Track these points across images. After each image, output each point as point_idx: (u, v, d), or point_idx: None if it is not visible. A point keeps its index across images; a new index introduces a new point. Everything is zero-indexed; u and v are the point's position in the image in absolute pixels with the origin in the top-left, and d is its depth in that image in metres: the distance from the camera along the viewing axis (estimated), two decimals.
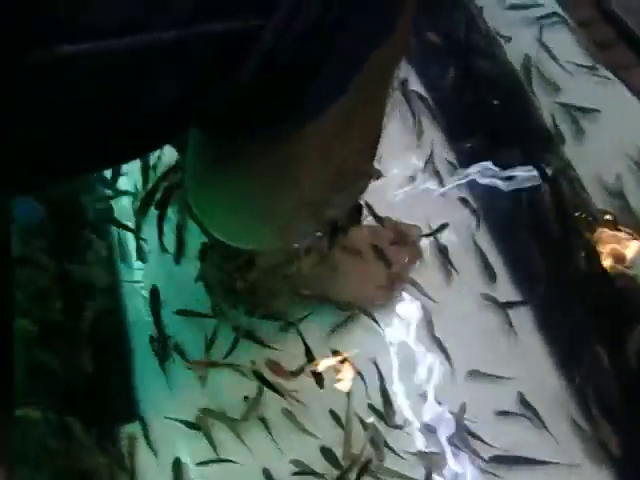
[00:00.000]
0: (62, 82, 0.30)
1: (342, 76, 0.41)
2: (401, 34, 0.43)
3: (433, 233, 0.86)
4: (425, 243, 0.85)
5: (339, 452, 0.72)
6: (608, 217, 0.87)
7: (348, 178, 0.53)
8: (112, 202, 0.90)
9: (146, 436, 0.74)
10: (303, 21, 0.34)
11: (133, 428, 0.75)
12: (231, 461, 0.72)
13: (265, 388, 0.74)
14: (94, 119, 0.33)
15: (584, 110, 0.95)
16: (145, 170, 0.88)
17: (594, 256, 0.84)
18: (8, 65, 0.28)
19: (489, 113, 0.98)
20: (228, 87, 0.36)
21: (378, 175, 0.85)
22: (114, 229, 0.88)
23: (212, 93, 0.36)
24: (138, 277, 0.85)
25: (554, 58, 1.01)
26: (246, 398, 0.75)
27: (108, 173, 0.90)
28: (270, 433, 0.73)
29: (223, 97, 0.36)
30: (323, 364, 0.76)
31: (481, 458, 0.71)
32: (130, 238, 0.87)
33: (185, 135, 0.51)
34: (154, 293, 0.81)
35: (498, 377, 0.76)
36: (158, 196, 0.83)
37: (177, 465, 0.73)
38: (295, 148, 0.45)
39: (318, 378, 0.75)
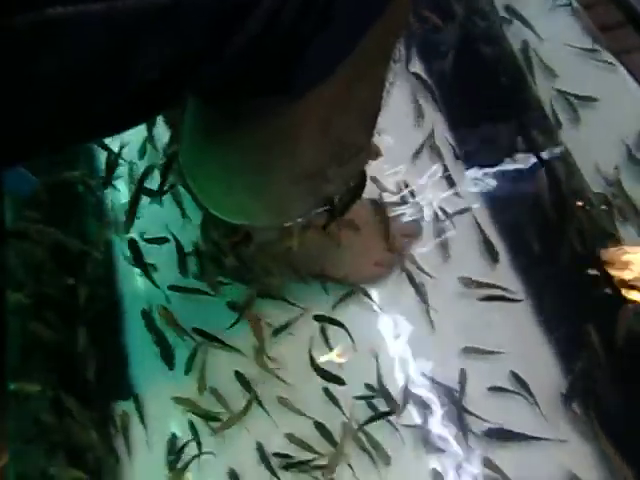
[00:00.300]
0: (53, 45, 0.29)
1: (341, 45, 0.40)
2: (401, 5, 0.43)
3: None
4: (424, 222, 0.85)
5: (334, 429, 0.72)
6: (604, 203, 0.87)
7: (346, 151, 0.53)
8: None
9: (140, 413, 0.75)
10: None
11: (127, 405, 0.75)
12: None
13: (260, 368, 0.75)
14: (87, 83, 0.32)
15: (582, 97, 0.95)
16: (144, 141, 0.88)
17: (589, 240, 0.84)
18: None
19: (488, 97, 0.97)
20: (226, 52, 0.35)
21: (377, 153, 0.84)
22: (110, 200, 0.88)
23: (210, 58, 0.35)
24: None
25: (555, 41, 1.00)
26: (238, 375, 0.76)
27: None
28: (265, 410, 0.73)
29: (221, 63, 0.36)
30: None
31: (473, 433, 0.72)
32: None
33: (181, 107, 0.50)
34: (133, 244, 0.81)
35: (491, 353, 0.77)
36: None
37: (171, 443, 0.73)
38: (293, 119, 0.45)
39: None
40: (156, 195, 0.82)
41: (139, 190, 0.81)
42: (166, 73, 0.35)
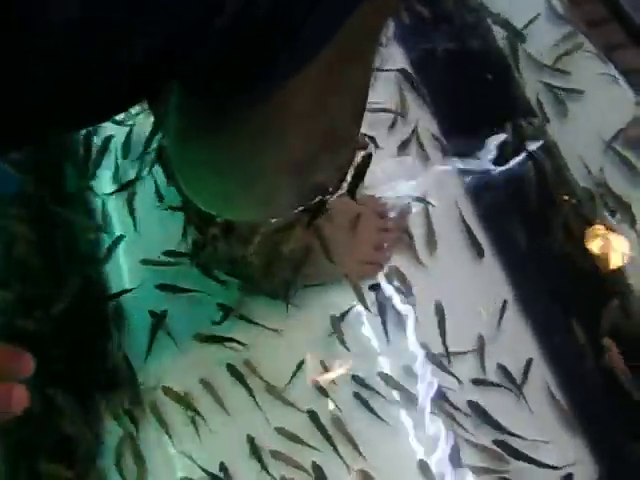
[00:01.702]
0: (33, 32, 0.29)
1: (326, 27, 0.39)
2: None
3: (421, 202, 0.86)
4: (411, 217, 0.86)
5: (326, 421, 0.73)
6: (590, 196, 0.87)
7: (334, 141, 0.52)
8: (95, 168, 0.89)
9: (131, 406, 0.74)
10: None
11: (117, 398, 0.75)
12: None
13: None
14: (68, 70, 0.32)
15: (569, 90, 0.96)
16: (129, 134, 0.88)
17: (575, 233, 0.85)
18: None
19: (475, 91, 0.97)
20: (209, 36, 0.35)
21: (365, 145, 0.84)
22: (97, 197, 0.87)
23: (192, 43, 0.35)
24: (121, 247, 0.84)
25: (542, 36, 1.00)
26: (230, 367, 0.76)
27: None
28: (256, 403, 0.74)
29: (204, 47, 0.36)
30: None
31: (460, 425, 0.73)
32: (113, 206, 0.87)
33: (165, 97, 0.50)
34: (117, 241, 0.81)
35: (478, 348, 0.77)
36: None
37: (163, 437, 0.73)
38: (279, 106, 0.44)
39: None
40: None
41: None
42: (150, 59, 0.34)
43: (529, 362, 0.77)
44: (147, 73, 0.35)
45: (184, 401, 0.74)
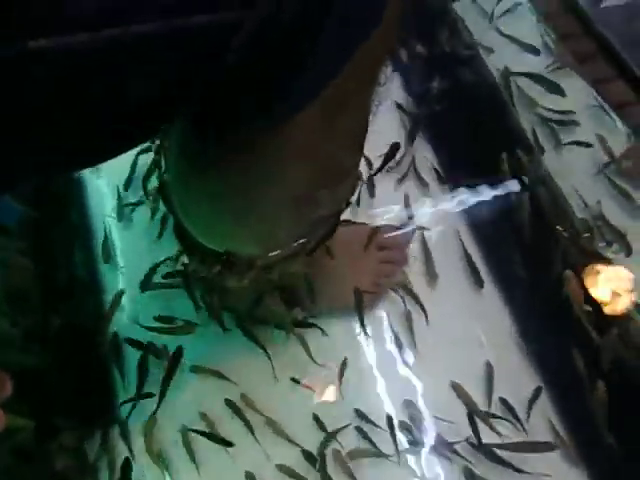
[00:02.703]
0: (37, 75, 0.29)
1: (326, 68, 0.40)
2: (387, 28, 0.43)
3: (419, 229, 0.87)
4: (411, 248, 0.86)
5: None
6: (586, 227, 0.88)
7: (334, 175, 0.53)
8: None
9: (128, 444, 0.73)
10: (287, 11, 0.34)
11: (112, 433, 0.74)
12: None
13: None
14: (67, 114, 0.32)
15: (562, 122, 0.97)
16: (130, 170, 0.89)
17: (572, 264, 0.85)
18: None
19: (471, 124, 0.99)
20: (213, 77, 0.35)
21: (359, 177, 0.85)
22: (97, 229, 0.87)
23: (196, 86, 0.35)
24: (120, 279, 0.84)
25: (534, 70, 1.02)
26: (228, 402, 0.75)
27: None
28: (255, 438, 0.73)
29: (208, 87, 0.36)
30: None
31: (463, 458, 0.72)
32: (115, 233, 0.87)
33: (166, 132, 0.50)
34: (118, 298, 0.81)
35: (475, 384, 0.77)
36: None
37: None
38: (278, 143, 0.44)
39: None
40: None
41: None
42: (153, 102, 0.35)
43: (535, 394, 0.76)
44: (151, 116, 0.36)
45: (182, 438, 0.73)
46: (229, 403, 0.75)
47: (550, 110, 0.98)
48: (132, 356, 0.79)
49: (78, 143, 0.35)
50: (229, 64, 0.35)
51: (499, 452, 0.73)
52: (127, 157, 0.89)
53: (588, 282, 0.84)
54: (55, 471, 0.72)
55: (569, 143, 0.95)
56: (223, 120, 0.42)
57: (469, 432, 0.73)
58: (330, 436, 0.73)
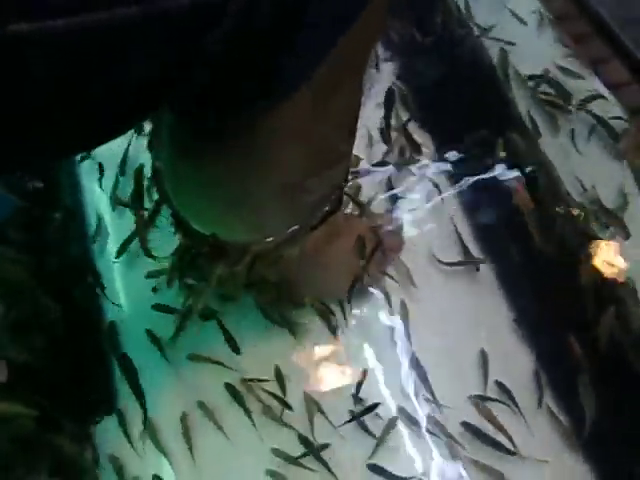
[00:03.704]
0: (19, 61, 0.29)
1: (316, 51, 0.40)
2: (377, 9, 0.42)
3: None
4: (406, 232, 0.86)
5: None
6: (583, 210, 0.88)
7: (327, 159, 0.53)
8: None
9: (125, 430, 0.74)
10: None
11: (111, 420, 0.75)
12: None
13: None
14: (52, 99, 0.32)
15: (559, 105, 0.96)
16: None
17: (569, 247, 0.85)
18: None
19: (467, 107, 0.98)
20: (200, 61, 0.35)
21: (356, 163, 0.84)
22: (92, 219, 0.87)
23: (182, 70, 0.35)
24: (115, 270, 0.84)
25: (531, 53, 1.01)
26: (228, 386, 0.75)
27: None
28: (253, 423, 0.73)
29: (195, 73, 0.36)
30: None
31: (459, 444, 0.72)
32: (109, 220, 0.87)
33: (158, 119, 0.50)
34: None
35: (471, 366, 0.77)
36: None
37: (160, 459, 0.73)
38: (271, 128, 0.44)
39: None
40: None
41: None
42: (141, 87, 0.34)
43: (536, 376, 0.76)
44: (149, 82, 0.35)
45: (182, 423, 0.74)
46: (229, 387, 0.75)
47: (547, 93, 0.97)
48: (129, 343, 0.79)
49: (72, 127, 0.35)
50: (219, 46, 0.34)
51: (496, 436, 0.73)
52: (121, 141, 0.89)
53: (585, 264, 0.84)
54: (54, 457, 0.72)
55: (566, 125, 0.94)
56: (215, 104, 0.42)
57: (466, 416, 0.74)
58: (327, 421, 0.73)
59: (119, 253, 0.83)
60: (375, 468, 0.71)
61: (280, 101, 0.42)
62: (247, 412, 0.74)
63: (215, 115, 0.44)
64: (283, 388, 0.75)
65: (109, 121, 0.36)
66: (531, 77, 0.99)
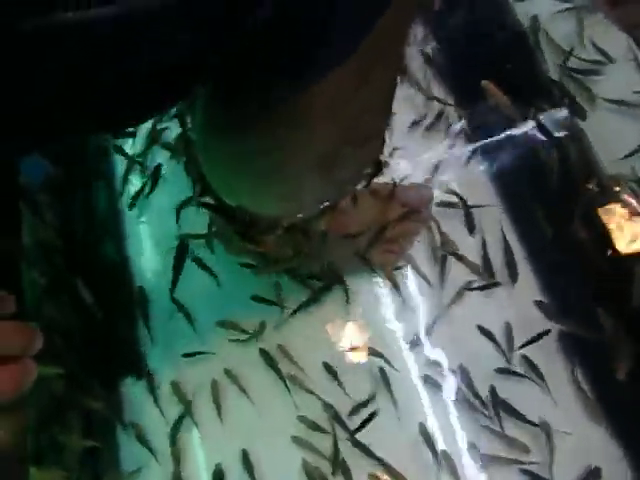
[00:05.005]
0: (59, 47, 0.29)
1: (353, 33, 0.39)
2: None
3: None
4: (434, 203, 0.85)
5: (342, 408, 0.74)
6: (616, 182, 0.86)
7: (361, 134, 0.52)
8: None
9: (153, 394, 0.76)
10: None
11: (140, 385, 0.77)
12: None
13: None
14: (96, 82, 0.32)
15: (593, 72, 0.94)
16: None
17: (598, 220, 0.84)
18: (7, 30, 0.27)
19: (498, 74, 0.96)
20: (240, 35, 0.34)
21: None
22: (119, 182, 0.88)
23: (225, 43, 0.35)
24: (144, 231, 0.85)
25: (564, 19, 0.98)
26: (262, 352, 0.77)
27: None
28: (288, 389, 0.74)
29: (237, 45, 0.35)
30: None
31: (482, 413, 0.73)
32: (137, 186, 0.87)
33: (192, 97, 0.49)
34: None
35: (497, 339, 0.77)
36: None
37: (180, 423, 0.75)
38: (305, 102, 0.44)
39: None
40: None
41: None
42: (183, 62, 0.34)
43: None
44: (181, 77, 0.35)
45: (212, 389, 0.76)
46: (264, 353, 0.76)
47: (581, 60, 0.95)
48: (158, 308, 0.80)
49: (107, 109, 0.35)
50: (258, 21, 0.34)
51: (520, 408, 0.73)
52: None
53: (614, 237, 0.83)
54: (85, 419, 0.74)
55: (600, 95, 0.92)
56: (253, 83, 0.42)
57: (490, 387, 0.74)
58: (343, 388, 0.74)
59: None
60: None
61: (319, 78, 0.42)
62: (282, 379, 0.75)
63: (246, 94, 0.43)
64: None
65: (146, 104, 0.36)
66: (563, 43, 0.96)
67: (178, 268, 0.79)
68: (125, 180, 0.87)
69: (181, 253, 0.79)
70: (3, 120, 0.31)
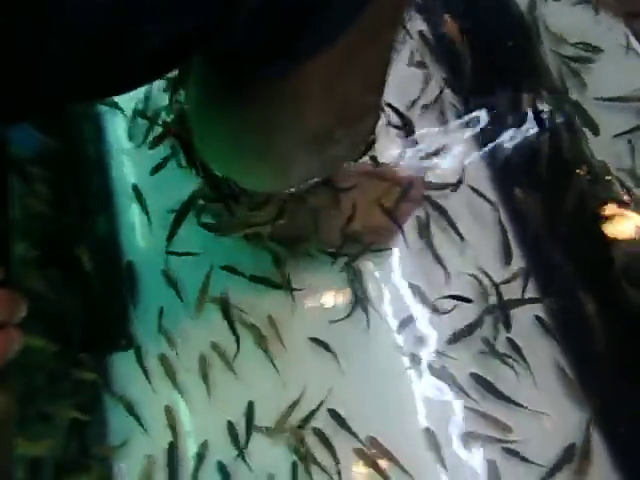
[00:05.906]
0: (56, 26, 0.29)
1: (343, 15, 0.40)
2: None
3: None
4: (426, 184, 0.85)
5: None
6: (606, 171, 0.87)
7: (354, 111, 0.52)
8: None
9: (141, 366, 0.76)
10: None
11: (128, 356, 0.77)
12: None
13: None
14: (100, 51, 0.32)
15: (588, 60, 0.94)
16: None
17: (588, 208, 0.85)
18: None
19: (495, 60, 0.96)
20: (237, 16, 0.35)
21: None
22: (113, 160, 0.87)
23: (215, 28, 0.35)
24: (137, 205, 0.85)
25: (561, 4, 0.98)
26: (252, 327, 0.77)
27: None
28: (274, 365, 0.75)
29: (232, 26, 0.35)
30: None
31: (465, 393, 0.75)
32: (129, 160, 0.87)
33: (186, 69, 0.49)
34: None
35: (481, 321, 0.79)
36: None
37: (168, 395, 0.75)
38: (299, 80, 0.44)
39: None
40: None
41: None
42: (170, 43, 0.34)
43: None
44: (174, 54, 0.35)
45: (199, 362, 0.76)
46: (252, 327, 0.77)
47: (578, 46, 0.95)
48: (147, 283, 0.80)
49: (103, 75, 0.35)
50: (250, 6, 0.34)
51: (501, 387, 0.75)
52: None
53: (605, 225, 0.84)
54: (74, 390, 0.75)
55: (592, 83, 0.93)
56: (247, 58, 0.42)
57: (473, 367, 0.76)
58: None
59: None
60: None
61: (310, 57, 0.42)
62: (268, 355, 0.76)
63: (241, 71, 0.44)
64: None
65: (143, 72, 0.36)
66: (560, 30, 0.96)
67: (179, 220, 0.79)
68: (118, 152, 0.87)
69: (184, 211, 0.79)
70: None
